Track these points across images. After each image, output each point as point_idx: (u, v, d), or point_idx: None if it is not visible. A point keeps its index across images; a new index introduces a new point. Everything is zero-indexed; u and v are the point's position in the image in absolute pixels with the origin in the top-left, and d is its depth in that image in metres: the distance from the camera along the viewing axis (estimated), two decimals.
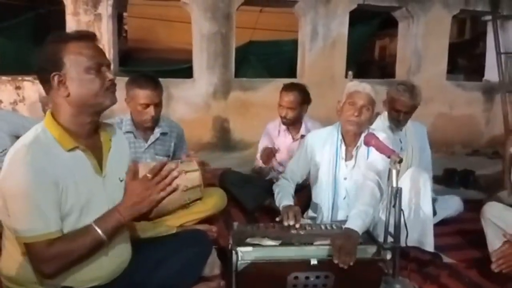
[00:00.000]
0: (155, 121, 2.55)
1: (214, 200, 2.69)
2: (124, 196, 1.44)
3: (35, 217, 1.29)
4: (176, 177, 1.42)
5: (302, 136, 3.18)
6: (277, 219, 2.10)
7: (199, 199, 2.60)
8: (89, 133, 1.46)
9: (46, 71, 1.36)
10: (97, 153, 1.47)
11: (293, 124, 3.22)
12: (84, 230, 1.37)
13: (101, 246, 1.40)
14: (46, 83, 1.39)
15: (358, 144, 2.28)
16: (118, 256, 1.53)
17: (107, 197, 1.46)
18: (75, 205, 1.37)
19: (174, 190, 1.43)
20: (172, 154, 2.71)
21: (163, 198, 1.42)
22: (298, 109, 3.13)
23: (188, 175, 2.48)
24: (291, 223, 2.03)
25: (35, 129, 1.40)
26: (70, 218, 1.37)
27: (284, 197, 2.29)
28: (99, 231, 1.36)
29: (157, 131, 2.61)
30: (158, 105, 2.49)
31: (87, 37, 1.42)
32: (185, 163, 2.54)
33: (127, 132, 2.53)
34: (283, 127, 3.28)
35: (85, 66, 1.37)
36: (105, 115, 1.57)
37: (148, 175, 1.39)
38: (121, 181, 1.53)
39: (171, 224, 2.41)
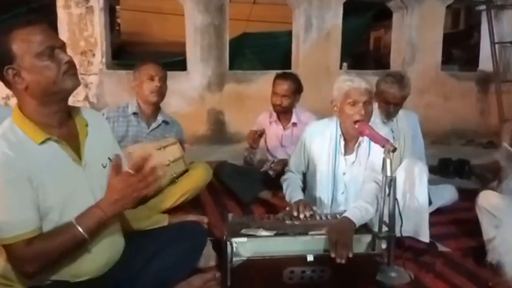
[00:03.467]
0: (161, 95, 2.69)
1: (200, 172, 2.77)
2: (106, 191, 1.37)
3: (10, 217, 1.25)
4: (159, 176, 1.38)
5: (294, 124, 3.23)
6: (287, 209, 2.10)
7: (186, 171, 2.70)
8: (61, 122, 1.39)
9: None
10: (74, 142, 1.40)
11: (285, 112, 3.24)
12: (64, 228, 1.32)
13: (82, 244, 1.36)
14: (3, 78, 1.31)
15: (360, 140, 2.25)
16: (110, 248, 1.50)
17: (90, 187, 1.41)
18: (56, 201, 1.32)
19: (159, 188, 1.41)
20: None
21: (146, 194, 1.38)
22: (292, 97, 3.18)
23: (168, 149, 2.59)
24: (308, 214, 2.02)
25: (3, 126, 1.33)
26: (51, 215, 1.32)
27: (294, 191, 2.28)
28: (80, 229, 1.31)
29: (160, 119, 2.77)
30: (162, 80, 2.68)
31: (34, 22, 1.31)
32: (162, 139, 2.63)
33: (133, 113, 2.69)
34: (274, 117, 3.30)
35: (36, 52, 1.28)
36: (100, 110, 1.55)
37: (130, 171, 1.34)
38: (104, 167, 1.47)
39: (163, 206, 2.46)
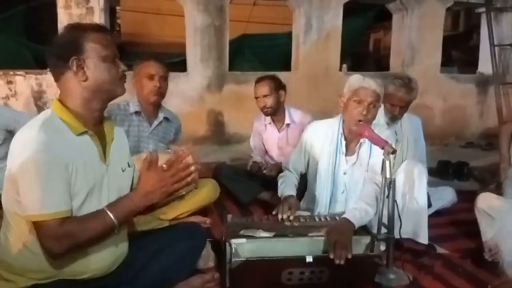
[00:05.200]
0: (160, 95, 2.63)
1: (208, 191, 2.71)
2: (137, 184, 1.47)
3: (48, 194, 1.30)
4: (192, 172, 1.44)
5: (288, 125, 3.22)
6: (274, 212, 2.10)
7: (195, 188, 2.63)
8: (96, 121, 1.51)
9: (64, 55, 1.40)
10: (102, 142, 1.50)
11: (275, 113, 3.21)
12: (96, 214, 1.39)
13: (111, 231, 1.42)
14: (60, 68, 1.42)
15: (361, 141, 2.25)
16: (118, 247, 1.54)
17: (110, 185, 1.49)
18: (82, 189, 1.39)
19: (188, 184, 1.45)
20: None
21: (176, 190, 1.45)
22: (274, 95, 3.14)
23: None
24: (285, 216, 2.03)
25: (44, 114, 1.43)
26: (75, 201, 1.37)
27: (286, 187, 2.29)
28: (111, 215, 1.38)
29: (161, 116, 2.70)
30: (163, 79, 2.61)
31: (104, 29, 1.50)
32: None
33: (135, 112, 2.62)
34: (268, 120, 3.29)
35: (103, 54, 1.44)
36: None
37: (164, 165, 1.42)
38: (123, 171, 1.57)
39: (166, 217, 2.42)
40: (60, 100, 1.45)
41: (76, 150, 1.39)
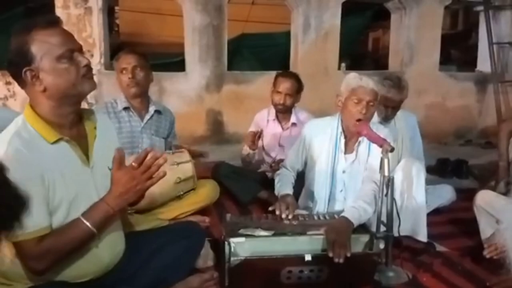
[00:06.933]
0: (138, 86, 2.55)
1: (207, 191, 2.69)
2: (111, 185, 1.38)
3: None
4: (161, 165, 1.35)
5: (293, 124, 3.19)
6: (271, 208, 2.10)
7: (193, 189, 2.62)
8: (72, 123, 1.41)
9: (17, 66, 1.29)
10: (83, 143, 1.42)
11: (286, 111, 3.19)
12: (72, 224, 1.33)
13: (91, 238, 1.37)
14: (19, 78, 1.32)
15: (360, 139, 2.25)
16: (111, 249, 1.50)
17: (96, 188, 1.43)
18: (64, 199, 1.33)
19: (161, 178, 1.37)
20: (166, 137, 2.75)
21: (150, 187, 1.37)
22: (295, 96, 3.13)
23: (181, 167, 2.49)
24: (283, 215, 2.03)
25: (15, 123, 1.34)
26: (58, 213, 1.33)
27: (283, 186, 2.29)
28: (87, 223, 1.32)
29: (152, 109, 2.65)
30: (137, 69, 2.53)
31: (53, 23, 1.33)
32: (176, 154, 2.55)
33: (123, 109, 2.57)
34: (272, 116, 3.26)
35: (57, 55, 1.29)
36: None
37: (133, 164, 1.34)
38: (110, 169, 1.47)
39: (165, 217, 2.42)
40: (31, 106, 1.35)
41: (52, 160, 1.31)
